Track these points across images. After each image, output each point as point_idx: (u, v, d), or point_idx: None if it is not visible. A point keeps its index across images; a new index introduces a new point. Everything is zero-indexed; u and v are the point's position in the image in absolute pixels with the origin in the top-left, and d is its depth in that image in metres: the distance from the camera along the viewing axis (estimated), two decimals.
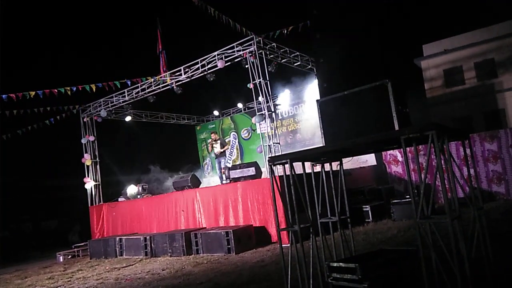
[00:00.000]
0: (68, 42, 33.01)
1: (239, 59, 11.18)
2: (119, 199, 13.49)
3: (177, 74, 12.63)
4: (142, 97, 13.67)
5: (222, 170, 12.34)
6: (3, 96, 11.52)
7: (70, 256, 12.71)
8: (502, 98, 20.16)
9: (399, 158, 12.39)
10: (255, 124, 11.81)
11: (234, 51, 11.19)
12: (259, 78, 10.69)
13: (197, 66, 12.02)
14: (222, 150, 12.72)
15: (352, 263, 3.58)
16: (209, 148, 13.07)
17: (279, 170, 4.64)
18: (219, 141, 12.80)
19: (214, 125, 19.35)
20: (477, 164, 10.75)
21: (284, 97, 15.46)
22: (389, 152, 12.43)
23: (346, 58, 4.06)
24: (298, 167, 4.41)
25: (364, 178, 12.49)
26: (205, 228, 10.22)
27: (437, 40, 22.09)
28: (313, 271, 4.28)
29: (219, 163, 12.69)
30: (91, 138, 14.71)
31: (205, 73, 11.89)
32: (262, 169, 10.55)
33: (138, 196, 13.14)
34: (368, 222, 9.68)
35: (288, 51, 12.37)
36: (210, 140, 13.56)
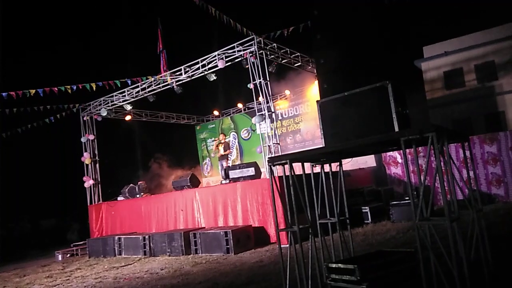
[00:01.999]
0: (68, 40, 32.97)
1: (240, 59, 11.18)
2: (118, 198, 13.48)
3: (177, 73, 12.64)
4: (142, 96, 13.67)
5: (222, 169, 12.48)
6: (3, 94, 11.51)
7: (69, 255, 12.69)
8: (502, 101, 20.15)
9: (399, 159, 12.39)
10: (255, 124, 11.84)
11: (234, 51, 11.19)
12: (259, 78, 10.69)
13: (197, 66, 12.02)
14: (223, 154, 12.97)
15: (351, 264, 3.59)
16: (214, 148, 13.23)
17: (278, 170, 4.64)
18: (223, 145, 12.98)
19: (214, 125, 19.34)
20: (476, 166, 10.76)
21: (284, 98, 15.44)
22: (388, 153, 12.43)
23: (347, 59, 4.06)
24: (297, 167, 4.42)
25: (363, 179, 12.49)
26: (204, 228, 10.21)
27: (437, 42, 22.08)
28: (311, 272, 4.28)
29: (222, 165, 12.84)
30: (91, 137, 14.71)
31: (206, 73, 11.90)
32: (262, 170, 10.55)
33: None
34: (367, 224, 9.68)
35: (288, 52, 12.37)
36: (217, 139, 13.68)
